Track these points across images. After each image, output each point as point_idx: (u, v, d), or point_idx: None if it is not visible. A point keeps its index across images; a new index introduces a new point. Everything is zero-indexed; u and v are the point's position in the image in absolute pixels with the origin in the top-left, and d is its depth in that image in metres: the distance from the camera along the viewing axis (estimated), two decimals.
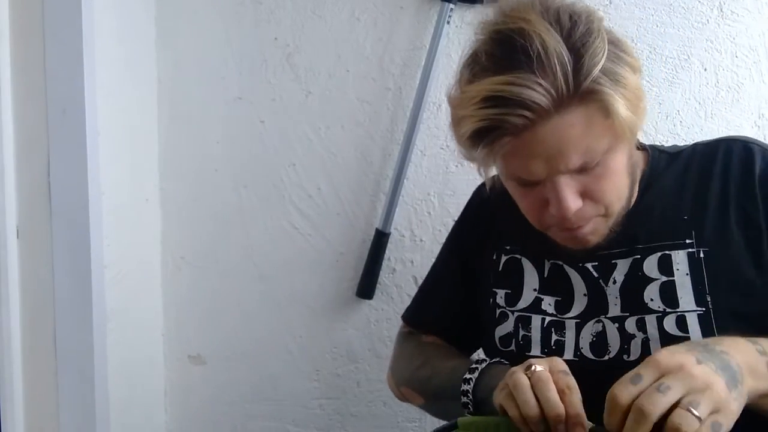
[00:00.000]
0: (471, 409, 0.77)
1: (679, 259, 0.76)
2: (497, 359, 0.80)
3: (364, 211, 1.27)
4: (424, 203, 1.24)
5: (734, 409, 0.56)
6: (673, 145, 0.86)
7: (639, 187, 0.81)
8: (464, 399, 0.77)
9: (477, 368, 0.78)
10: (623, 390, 0.55)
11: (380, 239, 1.22)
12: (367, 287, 1.24)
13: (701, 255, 0.75)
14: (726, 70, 1.16)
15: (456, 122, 0.73)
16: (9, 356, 1.12)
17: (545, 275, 0.83)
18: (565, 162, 0.69)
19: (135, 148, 1.27)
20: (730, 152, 0.79)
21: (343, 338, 1.29)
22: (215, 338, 1.34)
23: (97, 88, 1.12)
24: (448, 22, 1.17)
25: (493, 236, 0.90)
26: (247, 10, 1.27)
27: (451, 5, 1.16)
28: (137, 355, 1.28)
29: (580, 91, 0.66)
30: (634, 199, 0.80)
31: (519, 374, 0.64)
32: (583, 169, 0.70)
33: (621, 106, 0.67)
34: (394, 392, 0.97)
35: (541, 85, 0.65)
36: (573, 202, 0.70)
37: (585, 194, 0.71)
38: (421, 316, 0.99)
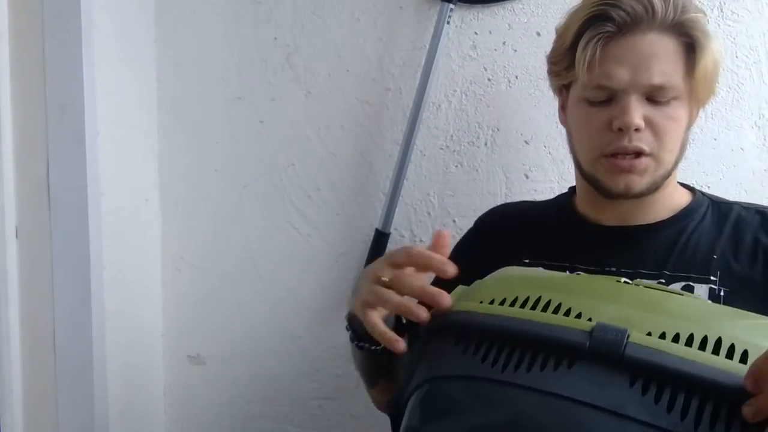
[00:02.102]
0: (353, 336, 0.79)
1: (701, 291, 0.78)
2: None
3: (364, 212, 1.26)
4: (424, 203, 1.24)
5: None
6: (715, 196, 0.91)
7: (678, 216, 0.86)
8: (348, 332, 0.81)
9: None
10: None
11: (380, 239, 1.22)
12: None
13: (721, 293, 0.78)
14: (726, 70, 1.15)
15: (562, 31, 0.85)
16: (8, 356, 1.12)
17: None
18: (648, 75, 0.78)
19: (134, 149, 1.27)
20: (764, 216, 0.83)
21: (343, 338, 1.28)
22: (215, 338, 1.33)
23: (97, 88, 1.12)
24: (448, 22, 1.17)
25: (509, 247, 0.92)
26: (246, 10, 1.27)
27: (451, 5, 1.16)
28: (137, 355, 1.28)
29: (683, 23, 0.78)
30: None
31: (374, 287, 0.68)
32: (654, 100, 0.79)
33: (707, 56, 0.79)
34: None
35: None
36: (638, 117, 0.78)
37: (648, 123, 0.79)
38: None
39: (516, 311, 0.60)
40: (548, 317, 0.58)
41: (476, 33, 1.20)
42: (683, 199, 0.88)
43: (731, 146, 1.16)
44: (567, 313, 0.58)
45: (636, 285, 0.63)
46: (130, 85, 1.25)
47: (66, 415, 1.14)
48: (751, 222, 0.83)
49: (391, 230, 1.22)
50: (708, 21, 0.81)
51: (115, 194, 1.19)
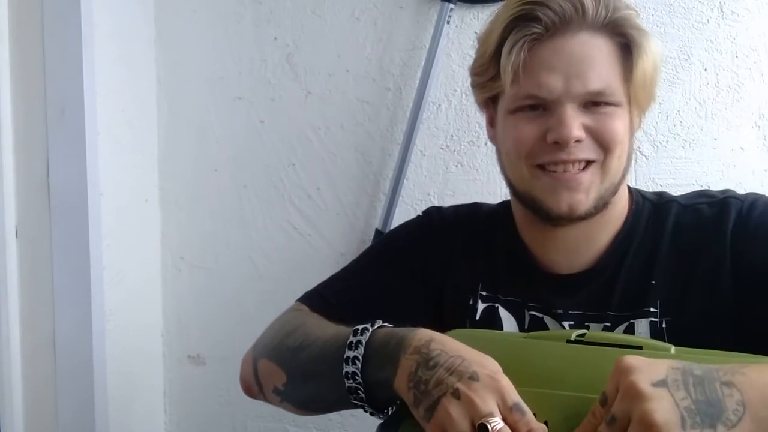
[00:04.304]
0: (362, 395, 0.64)
1: (641, 328, 0.74)
2: (380, 324, 0.67)
3: (364, 211, 1.26)
4: (424, 203, 1.24)
5: None
6: (657, 193, 0.83)
7: (620, 235, 0.79)
8: (350, 383, 0.64)
9: (360, 342, 0.64)
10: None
11: None
12: None
13: (663, 325, 0.73)
14: (726, 70, 1.16)
15: (485, 37, 0.76)
16: (8, 356, 1.12)
17: (525, 327, 0.80)
18: (583, 81, 0.70)
19: (134, 148, 1.27)
20: (700, 214, 0.77)
21: None
22: (215, 338, 1.33)
23: (97, 88, 1.12)
24: (448, 22, 1.17)
25: (465, 273, 0.84)
26: (246, 10, 1.27)
27: (451, 5, 1.16)
28: (137, 355, 1.28)
29: (616, 22, 0.71)
30: (626, 210, 0.80)
31: None
32: (591, 106, 0.72)
33: (646, 57, 0.72)
34: (244, 376, 0.81)
35: None
36: (576, 128, 0.71)
37: (589, 131, 0.72)
38: (332, 302, 0.85)
39: None
40: None
41: (476, 33, 1.19)
42: (624, 208, 0.80)
43: (731, 146, 1.16)
44: None
45: (584, 344, 0.61)
46: (130, 85, 1.25)
47: (66, 415, 1.14)
48: (687, 226, 0.76)
49: None
50: (641, 18, 0.74)
51: (115, 194, 1.19)
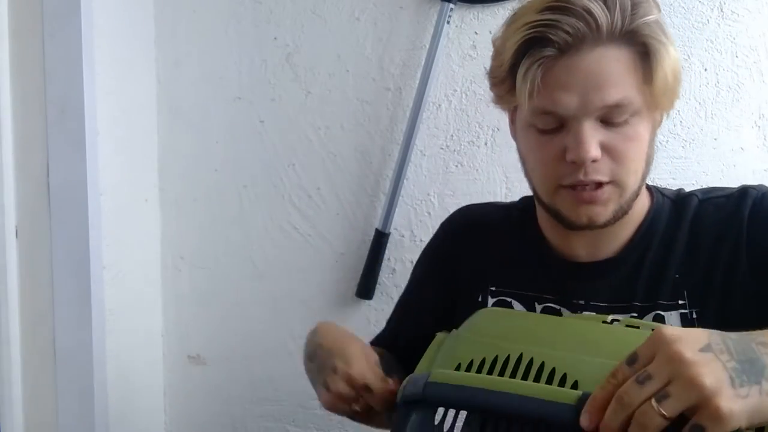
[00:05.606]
0: None
1: (672, 320, 0.75)
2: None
3: (364, 211, 1.26)
4: (424, 203, 1.24)
5: (731, 410, 0.48)
6: (676, 190, 0.84)
7: (641, 229, 0.80)
8: None
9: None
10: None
11: (380, 239, 1.22)
12: (366, 287, 1.24)
13: (694, 316, 0.74)
14: (726, 70, 1.16)
15: (499, 48, 0.74)
16: (8, 356, 1.12)
17: None
18: (600, 96, 0.69)
19: (134, 148, 1.27)
20: (719, 206, 0.78)
21: None
22: (215, 338, 1.33)
23: (97, 88, 1.12)
24: (448, 22, 1.17)
25: (474, 273, 0.87)
26: (246, 10, 1.27)
27: (451, 5, 1.16)
28: (137, 355, 1.28)
29: (633, 30, 0.68)
30: (645, 212, 0.80)
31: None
32: (610, 121, 0.70)
33: (666, 66, 0.69)
34: None
35: (599, 4, 0.67)
36: (594, 148, 0.69)
37: (606, 149, 0.71)
38: (395, 332, 0.97)
39: (496, 381, 0.57)
40: (530, 387, 0.55)
41: (476, 33, 1.20)
42: (645, 205, 0.81)
43: (731, 146, 1.16)
44: (551, 375, 0.56)
45: (619, 325, 0.62)
46: (130, 85, 1.25)
47: (66, 416, 1.14)
48: (706, 218, 0.77)
49: (391, 230, 1.22)
50: (660, 13, 0.71)
51: (115, 194, 1.19)
